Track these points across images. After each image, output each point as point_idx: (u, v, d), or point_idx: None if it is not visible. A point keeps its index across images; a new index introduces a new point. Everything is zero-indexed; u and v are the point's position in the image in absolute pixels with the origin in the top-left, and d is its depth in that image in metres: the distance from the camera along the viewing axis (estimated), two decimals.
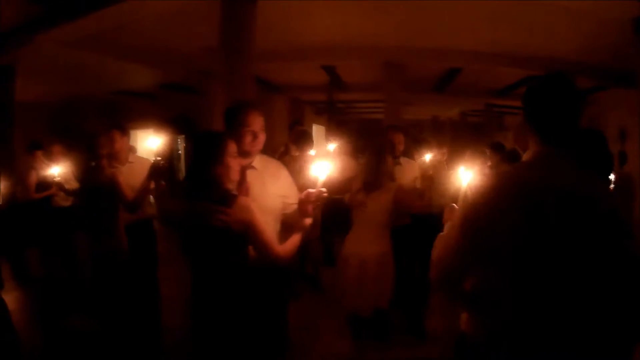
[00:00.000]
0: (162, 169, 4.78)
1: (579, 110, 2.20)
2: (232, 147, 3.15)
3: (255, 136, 3.60)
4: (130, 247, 5.30)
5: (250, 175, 3.67)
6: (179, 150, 19.80)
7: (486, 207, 2.17)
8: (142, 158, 6.13)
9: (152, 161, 4.77)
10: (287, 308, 4.07)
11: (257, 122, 3.62)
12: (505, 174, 2.36)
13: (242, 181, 3.58)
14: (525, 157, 2.30)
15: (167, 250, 6.69)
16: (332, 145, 7.65)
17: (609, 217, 2.04)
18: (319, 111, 21.49)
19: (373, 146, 5.62)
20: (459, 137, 19.91)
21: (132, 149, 6.33)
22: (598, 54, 10.30)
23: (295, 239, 3.25)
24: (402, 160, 6.31)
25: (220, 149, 3.07)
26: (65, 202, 7.67)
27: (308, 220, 3.22)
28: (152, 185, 5.03)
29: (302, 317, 6.02)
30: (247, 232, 3.00)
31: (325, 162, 3.15)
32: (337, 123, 22.88)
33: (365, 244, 5.16)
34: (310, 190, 3.14)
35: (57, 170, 6.54)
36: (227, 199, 3.01)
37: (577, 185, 2.09)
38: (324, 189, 3.12)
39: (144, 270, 5.62)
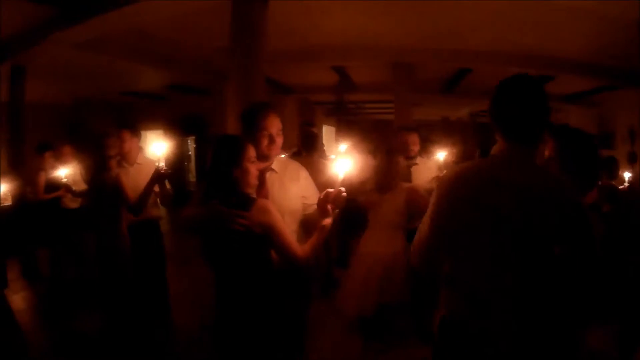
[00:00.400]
0: (164, 175, 4.86)
1: (541, 110, 2.32)
2: (251, 152, 3.13)
3: (272, 140, 3.58)
4: (136, 246, 5.34)
5: (269, 177, 3.68)
6: (189, 151, 19.82)
7: (442, 197, 2.42)
8: (151, 160, 6.16)
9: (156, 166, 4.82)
10: (308, 311, 4.04)
11: (274, 126, 3.59)
12: (461, 168, 2.51)
13: (261, 184, 3.57)
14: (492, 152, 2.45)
15: (175, 250, 6.73)
16: (344, 146, 7.65)
17: (559, 215, 2.16)
18: (329, 112, 21.47)
19: (384, 148, 5.63)
20: (469, 138, 19.88)
21: (141, 150, 6.36)
22: (607, 54, 10.24)
23: (315, 240, 3.20)
24: (419, 160, 6.30)
25: (239, 154, 3.06)
26: (73, 203, 7.70)
27: (328, 220, 3.15)
28: (157, 188, 5.09)
29: (310, 317, 6.02)
30: (267, 235, 2.99)
31: (345, 161, 3.11)
32: (347, 124, 22.86)
33: (377, 244, 5.18)
34: (330, 190, 3.10)
35: (65, 171, 6.58)
36: (246, 202, 3.00)
37: (527, 181, 2.22)
38: (343, 189, 3.07)
39: (149, 269, 5.63)
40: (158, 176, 4.87)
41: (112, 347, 5.27)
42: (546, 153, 2.99)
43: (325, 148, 9.45)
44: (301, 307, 3.85)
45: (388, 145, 5.71)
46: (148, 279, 5.54)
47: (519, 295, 2.21)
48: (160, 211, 5.90)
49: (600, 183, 6.48)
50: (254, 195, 3.18)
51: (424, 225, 2.51)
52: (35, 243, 8.54)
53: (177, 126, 17.44)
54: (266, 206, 3.02)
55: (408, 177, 5.84)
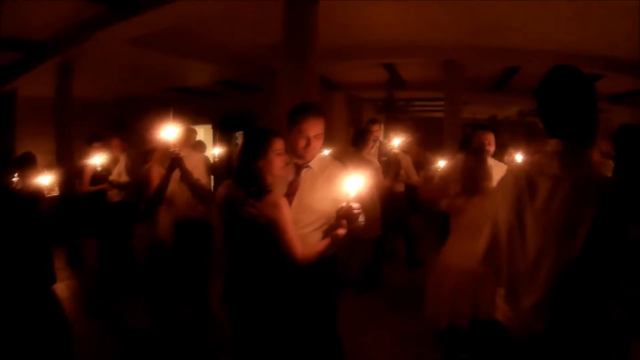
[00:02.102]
0: (178, 161, 4.85)
1: (584, 105, 2.25)
2: (277, 145, 3.30)
3: (309, 143, 3.63)
4: (177, 245, 5.40)
5: (305, 173, 3.75)
6: (237, 146, 20.00)
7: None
8: (195, 153, 6.21)
9: (172, 153, 4.86)
10: (335, 306, 3.97)
11: (313, 129, 3.63)
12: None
13: (294, 178, 3.72)
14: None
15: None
16: (397, 140, 7.62)
17: (596, 211, 2.04)
18: (378, 109, 21.39)
19: (470, 148, 5.37)
20: (517, 137, 19.60)
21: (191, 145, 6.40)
22: None
23: (322, 245, 3.32)
24: (491, 161, 5.75)
25: (264, 145, 3.25)
26: (117, 197, 7.94)
27: (341, 231, 3.22)
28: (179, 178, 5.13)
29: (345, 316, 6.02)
30: (270, 227, 3.12)
31: (356, 178, 3.16)
32: (397, 121, 22.78)
33: (465, 253, 4.73)
34: (343, 205, 3.18)
35: (99, 160, 6.71)
36: (260, 193, 3.17)
37: (570, 176, 2.17)
38: (355, 205, 3.14)
39: (185, 268, 5.65)
40: (172, 162, 4.86)
41: (152, 338, 5.43)
42: (600, 151, 2.98)
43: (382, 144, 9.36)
44: (321, 301, 3.81)
45: (473, 146, 5.42)
46: (184, 277, 5.60)
47: (559, 295, 2.16)
48: (199, 212, 5.80)
49: None
50: (274, 187, 3.37)
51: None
52: (81, 233, 8.76)
53: (225, 122, 17.57)
54: (277, 201, 3.17)
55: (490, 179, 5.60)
